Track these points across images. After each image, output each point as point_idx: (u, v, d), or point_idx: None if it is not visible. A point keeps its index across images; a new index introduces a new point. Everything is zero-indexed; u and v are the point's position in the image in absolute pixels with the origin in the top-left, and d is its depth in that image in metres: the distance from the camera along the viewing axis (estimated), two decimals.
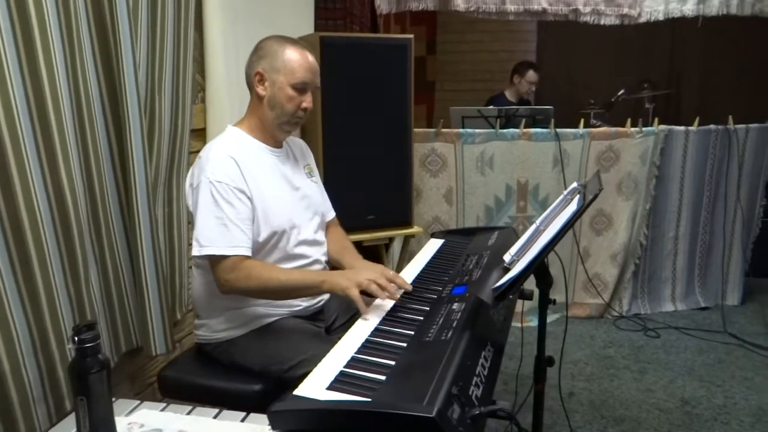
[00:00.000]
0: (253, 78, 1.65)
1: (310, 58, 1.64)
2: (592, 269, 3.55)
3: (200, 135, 2.22)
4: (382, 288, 1.47)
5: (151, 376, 2.02)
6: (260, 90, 1.64)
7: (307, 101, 1.64)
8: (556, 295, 3.33)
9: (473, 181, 3.36)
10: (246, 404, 1.62)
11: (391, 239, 3.09)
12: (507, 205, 3.41)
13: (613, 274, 3.52)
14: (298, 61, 1.61)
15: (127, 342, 1.83)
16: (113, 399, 1.47)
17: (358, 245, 2.93)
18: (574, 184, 1.70)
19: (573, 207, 1.48)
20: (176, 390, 1.71)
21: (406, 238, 3.04)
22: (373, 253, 3.02)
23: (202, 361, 1.74)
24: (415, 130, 3.22)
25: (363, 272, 1.51)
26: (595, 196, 1.48)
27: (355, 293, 1.45)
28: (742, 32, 4.27)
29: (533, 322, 3.14)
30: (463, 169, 3.34)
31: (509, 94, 4.38)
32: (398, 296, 1.52)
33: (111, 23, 1.62)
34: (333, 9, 3.41)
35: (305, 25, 2.92)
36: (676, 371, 2.86)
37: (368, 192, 2.85)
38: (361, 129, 2.79)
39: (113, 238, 1.73)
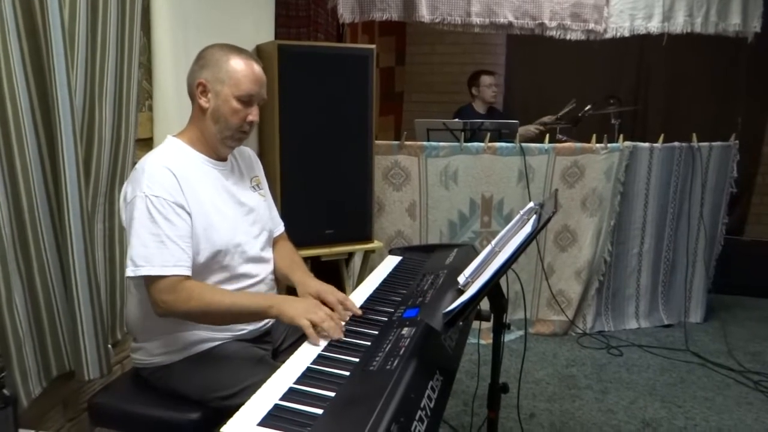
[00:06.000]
0: (195, 89, 1.55)
1: (257, 68, 1.56)
2: (556, 286, 3.51)
3: (147, 145, 2.09)
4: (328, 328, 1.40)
5: (86, 401, 1.89)
6: (203, 102, 1.55)
7: (253, 114, 1.56)
8: (520, 312, 3.34)
9: (437, 195, 3.30)
10: None
11: (351, 254, 3.00)
12: (471, 219, 3.36)
13: (577, 291, 3.48)
14: (243, 71, 1.52)
15: (58, 366, 1.70)
16: None
17: (315, 260, 2.85)
18: (531, 204, 1.64)
19: (528, 228, 1.41)
20: (108, 418, 1.60)
21: (367, 253, 2.96)
22: (331, 268, 2.93)
23: (139, 387, 1.63)
24: (378, 142, 3.14)
25: (316, 308, 1.44)
26: (549, 219, 1.42)
27: (305, 322, 1.37)
28: (708, 51, 4.30)
29: None
30: (426, 182, 3.28)
31: (477, 106, 4.34)
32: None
33: (42, 22, 1.51)
34: (296, 17, 3.32)
35: (264, 33, 2.83)
36: (638, 391, 2.82)
37: (327, 205, 2.76)
38: (320, 141, 2.71)
39: (43, 256, 1.61)
